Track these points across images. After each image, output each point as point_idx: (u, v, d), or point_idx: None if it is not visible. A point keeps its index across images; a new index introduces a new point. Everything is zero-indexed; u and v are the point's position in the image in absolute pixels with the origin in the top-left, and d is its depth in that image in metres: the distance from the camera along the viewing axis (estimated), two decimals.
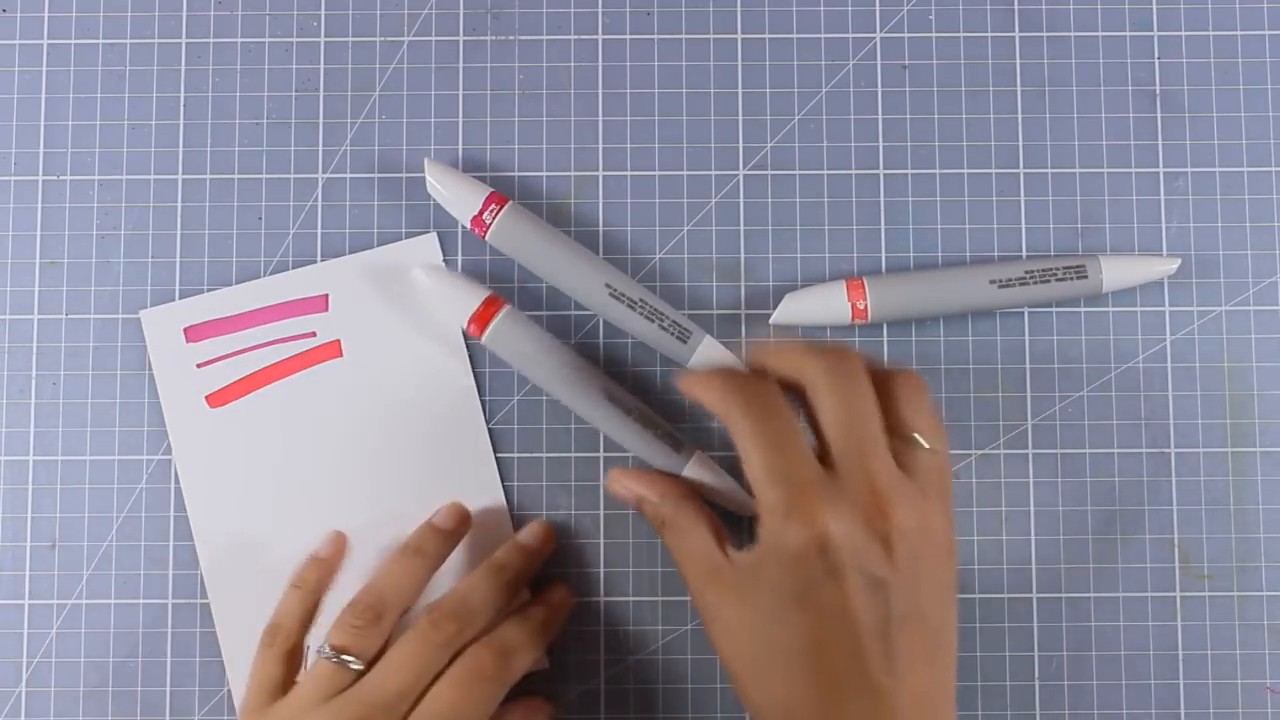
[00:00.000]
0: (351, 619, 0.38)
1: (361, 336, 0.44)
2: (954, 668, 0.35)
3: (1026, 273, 0.42)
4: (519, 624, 0.40)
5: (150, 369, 0.44)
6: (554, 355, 0.42)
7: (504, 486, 0.44)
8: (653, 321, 0.42)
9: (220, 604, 0.43)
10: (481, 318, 0.42)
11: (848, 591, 0.33)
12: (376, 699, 0.37)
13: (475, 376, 0.44)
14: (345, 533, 0.43)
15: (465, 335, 0.44)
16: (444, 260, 0.44)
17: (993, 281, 0.42)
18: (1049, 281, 0.42)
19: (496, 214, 0.42)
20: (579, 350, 0.43)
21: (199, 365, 0.44)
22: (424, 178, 0.44)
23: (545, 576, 0.43)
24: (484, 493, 0.43)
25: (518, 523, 0.43)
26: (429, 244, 0.44)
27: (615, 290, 0.42)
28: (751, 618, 0.34)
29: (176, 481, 0.43)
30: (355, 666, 0.38)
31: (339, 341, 0.44)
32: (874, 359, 0.37)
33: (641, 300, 0.42)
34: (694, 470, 0.41)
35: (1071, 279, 0.42)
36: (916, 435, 0.35)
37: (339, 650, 0.38)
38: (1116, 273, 0.43)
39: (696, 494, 0.39)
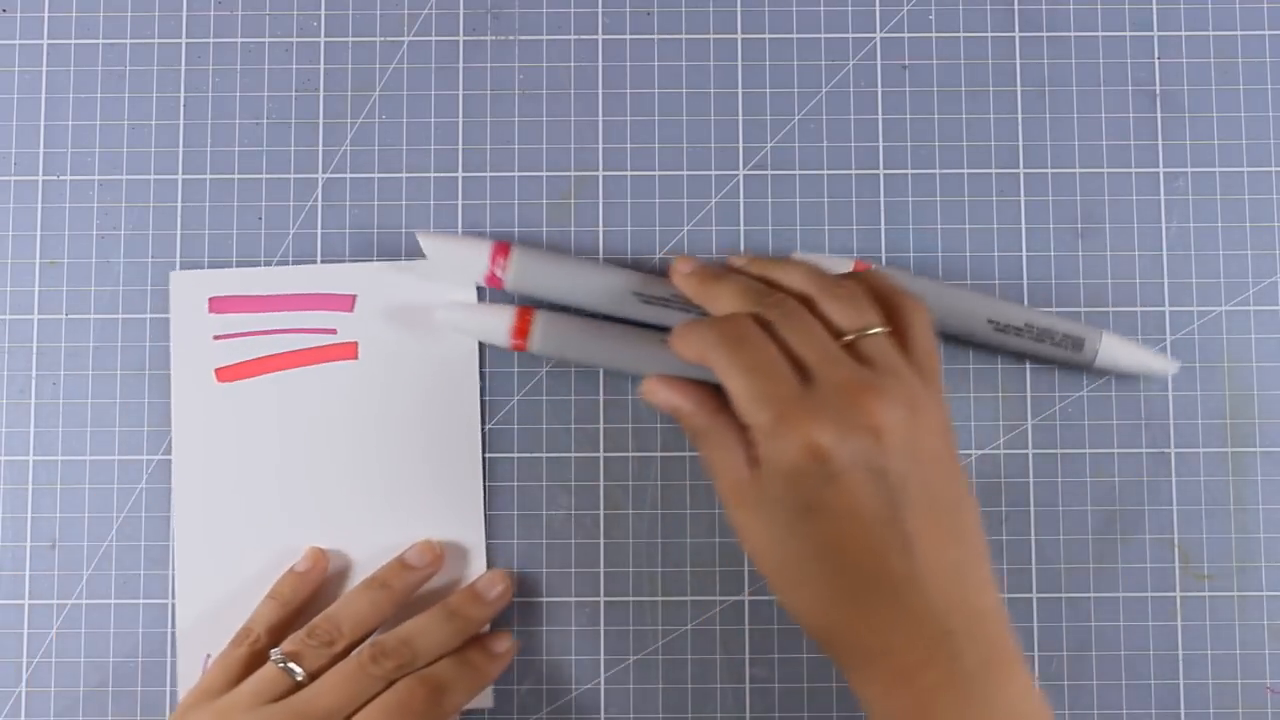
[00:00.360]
0: (306, 636, 0.40)
1: (379, 344, 0.44)
2: (983, 543, 0.36)
3: (1026, 325, 0.42)
4: (457, 664, 0.40)
5: (148, 368, 0.44)
6: (604, 330, 0.42)
7: (503, 487, 0.44)
8: (689, 313, 0.42)
9: (185, 583, 0.43)
10: (520, 332, 0.42)
11: (850, 489, 0.34)
12: (305, 712, 0.38)
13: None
14: (326, 550, 0.43)
15: (491, 349, 0.44)
16: (478, 285, 0.44)
17: (990, 321, 0.42)
18: (1044, 342, 0.42)
19: (506, 266, 0.42)
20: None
21: (216, 337, 0.44)
22: (418, 249, 0.43)
23: (541, 577, 0.43)
24: (464, 524, 0.43)
25: (509, 526, 0.43)
26: None
27: (646, 295, 0.42)
28: (771, 531, 0.35)
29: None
30: (298, 676, 0.39)
31: (356, 344, 0.44)
32: (812, 273, 0.39)
33: (674, 295, 0.42)
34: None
35: (1067, 347, 0.42)
36: (857, 330, 0.36)
37: (288, 656, 0.39)
38: (1112, 353, 0.42)
39: (731, 408, 0.38)
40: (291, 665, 0.39)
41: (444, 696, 0.39)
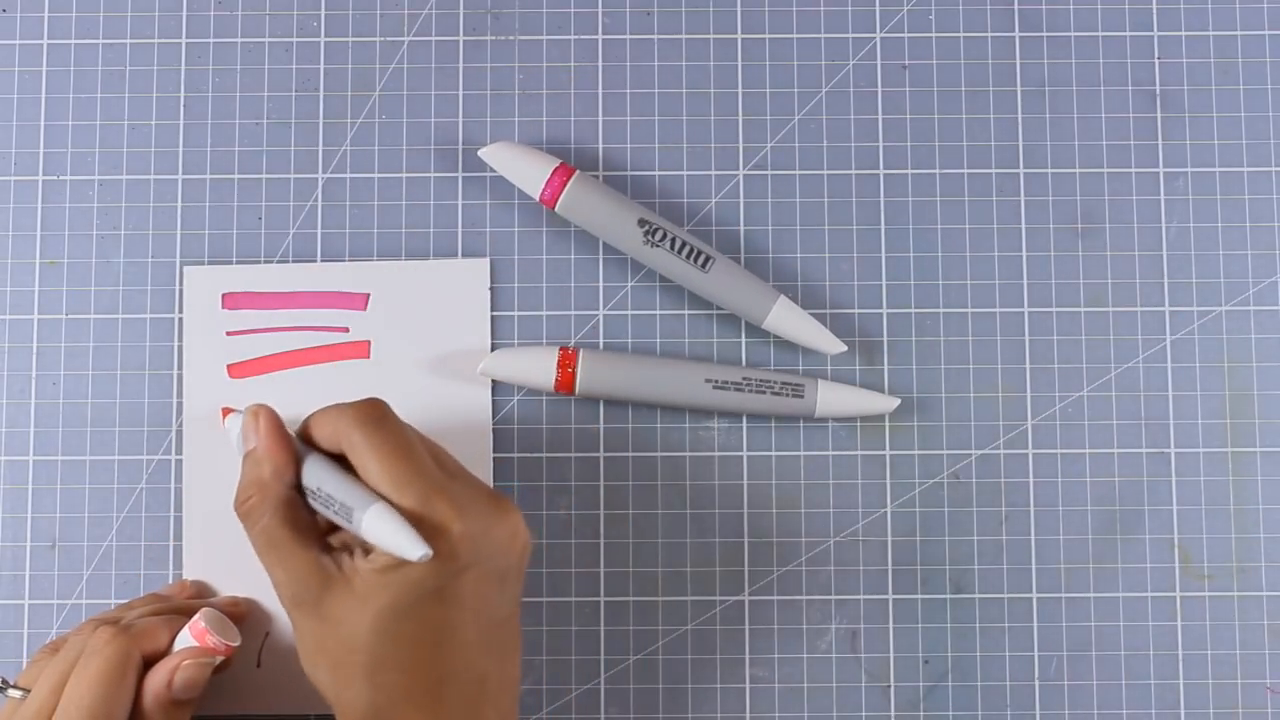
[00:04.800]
0: (32, 659, 0.39)
1: (392, 344, 0.44)
2: None
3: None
4: (149, 603, 0.40)
5: (149, 368, 0.44)
6: (648, 369, 0.42)
7: (504, 487, 0.43)
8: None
9: (193, 576, 0.43)
10: (565, 380, 0.42)
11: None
12: (25, 713, 0.36)
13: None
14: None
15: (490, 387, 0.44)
16: (490, 287, 0.44)
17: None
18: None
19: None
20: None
21: (229, 333, 0.44)
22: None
23: (541, 577, 0.43)
24: None
25: None
26: (480, 266, 0.44)
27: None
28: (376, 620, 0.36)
29: (177, 481, 0.43)
30: (15, 695, 0.37)
31: (369, 343, 0.44)
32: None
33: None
34: (824, 395, 0.42)
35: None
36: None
37: (18, 684, 0.38)
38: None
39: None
40: (13, 691, 0.37)
41: (130, 631, 0.37)
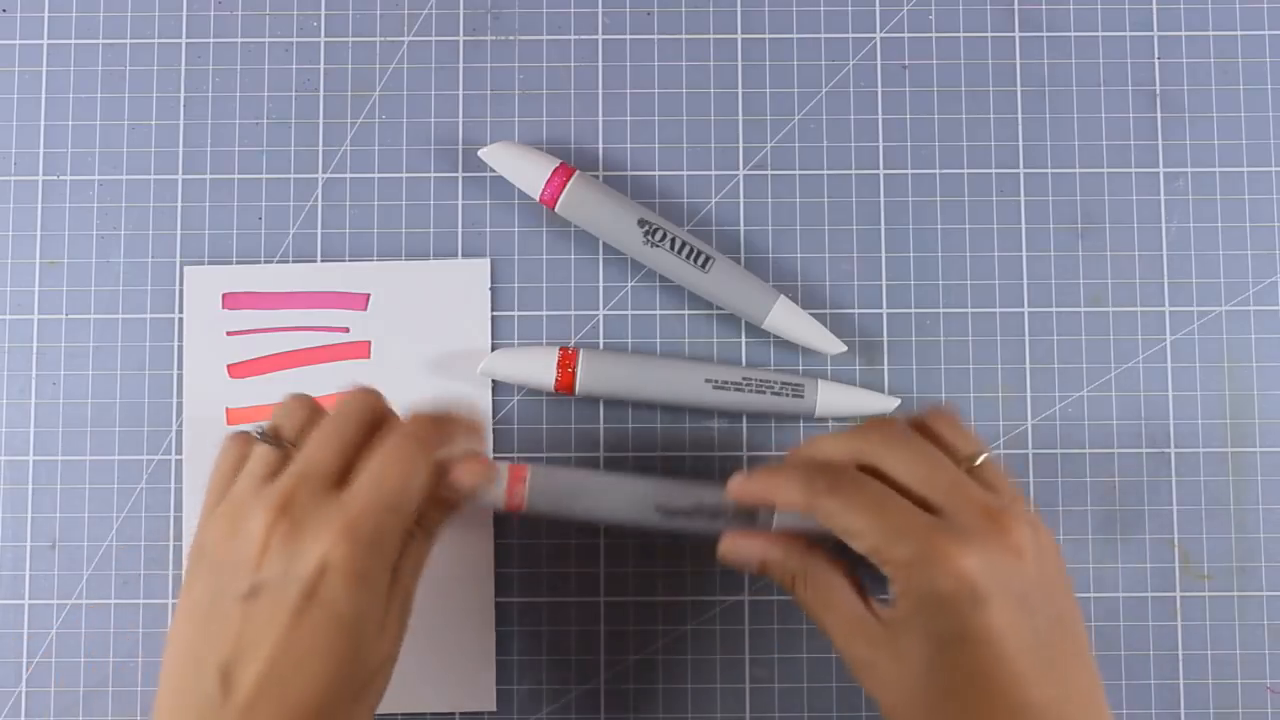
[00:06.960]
0: (278, 407, 0.36)
1: (392, 345, 0.44)
2: (1094, 659, 0.35)
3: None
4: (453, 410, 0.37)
5: (149, 368, 0.44)
6: (648, 369, 0.42)
7: None
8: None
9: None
10: (565, 380, 0.42)
11: (1000, 615, 0.33)
12: (308, 470, 0.34)
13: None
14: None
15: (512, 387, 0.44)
16: (490, 287, 0.44)
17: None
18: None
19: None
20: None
21: (229, 333, 0.44)
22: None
23: (541, 577, 0.43)
24: (472, 522, 0.43)
25: (510, 526, 0.43)
26: (480, 266, 0.44)
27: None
28: (911, 668, 0.34)
29: (177, 481, 0.43)
30: (286, 444, 0.35)
31: (369, 343, 0.44)
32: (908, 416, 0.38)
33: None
34: (824, 395, 0.42)
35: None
36: (979, 455, 0.36)
37: (272, 433, 0.36)
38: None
39: (822, 545, 0.37)
40: (275, 436, 0.35)
41: (449, 428, 0.36)
